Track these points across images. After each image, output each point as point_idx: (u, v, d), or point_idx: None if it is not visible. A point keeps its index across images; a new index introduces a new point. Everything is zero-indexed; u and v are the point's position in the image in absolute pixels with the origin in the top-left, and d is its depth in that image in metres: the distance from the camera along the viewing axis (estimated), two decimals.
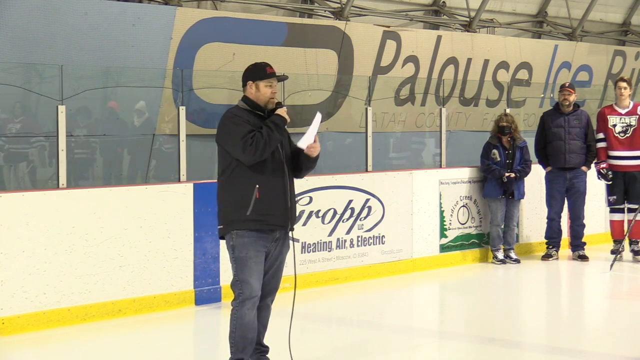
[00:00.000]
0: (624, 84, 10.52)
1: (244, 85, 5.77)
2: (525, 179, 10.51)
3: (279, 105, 5.75)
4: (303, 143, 5.72)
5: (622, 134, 10.44)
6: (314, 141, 5.73)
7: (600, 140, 10.54)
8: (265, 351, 5.93)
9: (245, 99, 5.78)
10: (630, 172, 10.44)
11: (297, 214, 8.83)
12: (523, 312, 8.56)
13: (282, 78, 5.82)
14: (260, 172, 5.62)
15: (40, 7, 10.26)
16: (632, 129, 10.44)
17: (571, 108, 10.57)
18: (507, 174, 10.25)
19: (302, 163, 5.82)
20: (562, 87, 10.71)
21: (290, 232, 5.82)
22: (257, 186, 5.61)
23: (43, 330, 7.25)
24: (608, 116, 10.51)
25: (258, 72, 5.76)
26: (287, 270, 8.59)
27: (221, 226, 5.75)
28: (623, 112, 10.50)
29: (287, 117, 5.70)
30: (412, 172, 10.07)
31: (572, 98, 10.57)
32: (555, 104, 10.78)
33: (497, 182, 10.33)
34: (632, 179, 10.44)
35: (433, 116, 13.40)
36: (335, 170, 11.23)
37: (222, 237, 5.80)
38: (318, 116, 5.74)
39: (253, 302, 5.67)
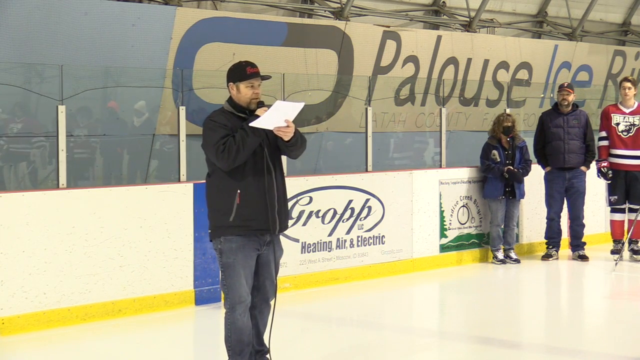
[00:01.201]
0: (628, 84, 10.54)
1: (227, 86, 5.67)
2: (525, 178, 10.51)
3: (261, 105, 5.60)
4: (260, 122, 5.42)
5: (625, 133, 10.45)
6: (287, 125, 5.46)
7: (603, 138, 10.55)
8: (266, 351, 5.92)
9: (229, 100, 5.69)
10: (631, 172, 10.45)
11: (297, 214, 8.85)
12: (523, 312, 8.56)
13: (265, 77, 5.66)
14: (241, 176, 5.53)
15: (40, 7, 10.26)
16: (635, 128, 10.45)
17: (570, 108, 10.58)
18: (507, 168, 10.23)
19: (282, 147, 5.64)
20: (561, 87, 10.72)
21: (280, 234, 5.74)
22: (238, 191, 5.53)
23: (43, 330, 7.25)
24: (612, 114, 10.53)
25: (238, 73, 5.62)
26: (287, 270, 8.65)
27: (210, 230, 5.73)
28: (627, 111, 10.51)
29: None
30: (412, 172, 10.07)
31: (571, 98, 10.58)
32: (554, 104, 10.79)
33: (500, 180, 10.31)
34: (633, 179, 10.45)
35: (433, 116, 13.40)
36: (335, 170, 11.25)
37: (211, 240, 5.76)
38: (277, 103, 5.44)
39: (244, 306, 5.62)
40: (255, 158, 5.57)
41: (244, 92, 5.62)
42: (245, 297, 5.63)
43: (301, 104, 5.50)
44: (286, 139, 5.54)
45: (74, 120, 10.60)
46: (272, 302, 5.85)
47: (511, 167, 10.28)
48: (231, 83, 5.65)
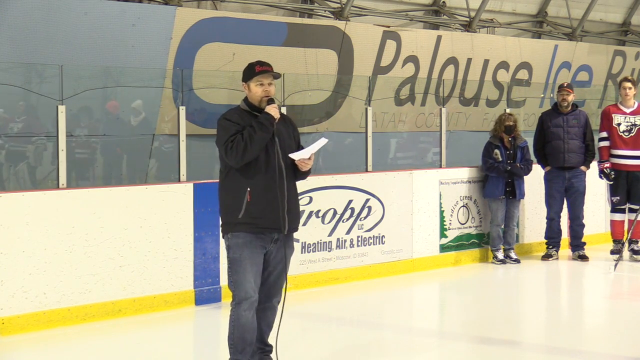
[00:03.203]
0: (628, 84, 10.54)
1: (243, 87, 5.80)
2: (526, 178, 10.52)
3: (270, 102, 5.68)
4: (296, 155, 5.70)
5: (626, 133, 10.46)
6: (309, 158, 5.71)
7: (603, 139, 10.55)
8: (269, 350, 5.92)
9: (245, 99, 5.79)
10: (633, 172, 10.45)
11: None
12: (523, 312, 8.56)
13: (275, 75, 5.73)
14: (253, 174, 5.61)
15: (40, 7, 10.26)
16: (636, 128, 10.46)
17: (570, 108, 10.58)
18: (509, 163, 10.23)
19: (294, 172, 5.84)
20: (561, 87, 10.73)
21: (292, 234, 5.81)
22: (249, 189, 5.59)
23: (43, 330, 7.25)
24: (613, 115, 10.53)
25: (248, 72, 5.74)
26: (291, 270, 8.63)
27: (221, 227, 5.81)
28: (628, 111, 10.52)
29: (275, 113, 5.62)
30: (412, 172, 10.07)
31: (571, 98, 10.59)
32: (554, 104, 10.79)
33: (503, 178, 10.30)
34: (634, 179, 10.45)
35: (433, 116, 13.40)
36: (335, 170, 11.24)
37: (223, 237, 5.84)
38: (322, 140, 5.70)
39: (249, 303, 5.63)
40: (268, 158, 5.63)
41: (254, 90, 5.70)
42: (251, 293, 5.63)
43: (326, 140, 5.75)
44: (304, 169, 5.74)
45: (75, 120, 10.61)
46: (276, 302, 5.86)
47: (517, 165, 10.29)
48: (244, 83, 5.77)
